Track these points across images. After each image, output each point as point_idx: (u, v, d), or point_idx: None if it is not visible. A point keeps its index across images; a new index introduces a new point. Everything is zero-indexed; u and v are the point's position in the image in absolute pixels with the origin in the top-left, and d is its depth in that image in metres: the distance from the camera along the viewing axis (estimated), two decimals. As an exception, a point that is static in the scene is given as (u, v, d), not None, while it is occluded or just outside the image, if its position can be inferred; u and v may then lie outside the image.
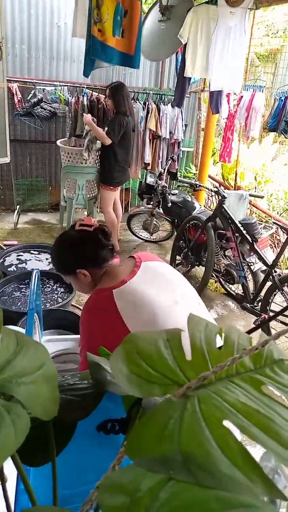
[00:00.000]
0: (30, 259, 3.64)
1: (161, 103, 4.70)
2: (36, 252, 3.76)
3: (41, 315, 1.78)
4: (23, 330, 1.95)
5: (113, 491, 0.34)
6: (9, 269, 3.42)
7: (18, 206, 4.84)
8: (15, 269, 3.46)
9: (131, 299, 1.28)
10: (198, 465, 0.34)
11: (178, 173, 5.12)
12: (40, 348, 0.50)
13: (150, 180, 4.23)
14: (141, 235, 4.73)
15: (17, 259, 3.63)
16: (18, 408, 0.38)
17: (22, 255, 3.69)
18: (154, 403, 0.56)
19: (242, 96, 4.48)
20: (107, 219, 4.15)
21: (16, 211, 4.74)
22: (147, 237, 4.72)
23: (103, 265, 1.40)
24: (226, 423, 0.38)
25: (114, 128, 3.71)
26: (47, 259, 3.67)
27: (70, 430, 0.60)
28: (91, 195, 4.42)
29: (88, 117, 3.87)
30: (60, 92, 4.56)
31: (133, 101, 4.42)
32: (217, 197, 3.45)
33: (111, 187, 4.02)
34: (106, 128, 3.80)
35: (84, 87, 4.56)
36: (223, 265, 3.54)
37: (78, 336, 1.94)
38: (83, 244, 1.40)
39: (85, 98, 4.43)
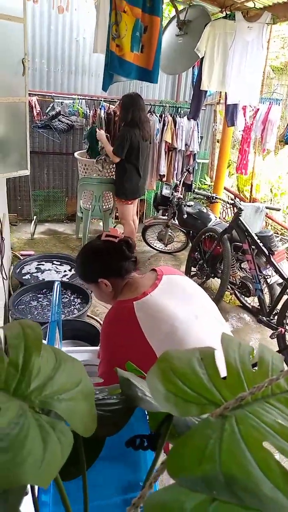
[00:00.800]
0: (49, 269, 3.68)
1: (177, 116, 4.74)
2: (58, 263, 3.79)
3: (60, 327, 1.80)
4: (43, 342, 1.96)
5: (158, 510, 0.34)
6: (23, 277, 3.46)
7: (35, 217, 4.92)
8: (29, 277, 3.49)
9: (151, 312, 1.29)
10: (241, 486, 0.34)
11: (193, 184, 5.14)
12: (76, 363, 0.51)
13: (165, 191, 4.25)
14: (155, 246, 4.75)
15: (36, 267, 3.67)
16: (62, 425, 0.39)
17: (43, 265, 3.73)
18: (184, 420, 0.56)
19: (258, 109, 4.49)
20: (126, 230, 4.16)
21: (33, 222, 4.82)
22: (161, 248, 4.74)
23: (125, 276, 1.42)
24: (266, 445, 0.38)
25: (119, 143, 3.73)
26: (65, 271, 3.69)
27: (99, 445, 0.61)
28: (107, 207, 4.46)
29: (101, 134, 3.93)
30: (78, 105, 4.64)
31: (149, 113, 4.46)
32: (233, 209, 3.44)
33: (123, 200, 4.02)
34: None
35: (101, 100, 4.64)
36: (239, 277, 3.52)
37: (95, 347, 1.95)
38: (107, 255, 1.42)
39: (102, 111, 4.49)
